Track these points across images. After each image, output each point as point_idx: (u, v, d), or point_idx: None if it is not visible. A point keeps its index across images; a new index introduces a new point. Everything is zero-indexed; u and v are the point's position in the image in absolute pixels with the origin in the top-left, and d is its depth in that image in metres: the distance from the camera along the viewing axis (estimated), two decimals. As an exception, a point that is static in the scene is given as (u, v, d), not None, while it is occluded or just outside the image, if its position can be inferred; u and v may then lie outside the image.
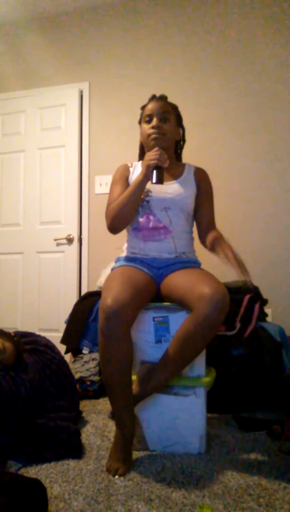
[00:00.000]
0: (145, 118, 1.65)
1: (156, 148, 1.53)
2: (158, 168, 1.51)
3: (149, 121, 1.64)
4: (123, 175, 1.71)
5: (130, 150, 3.03)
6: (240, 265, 1.34)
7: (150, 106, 1.65)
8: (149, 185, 1.62)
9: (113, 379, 1.34)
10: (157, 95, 1.72)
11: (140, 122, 1.73)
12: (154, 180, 1.51)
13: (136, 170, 1.71)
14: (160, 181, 1.51)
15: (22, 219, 3.30)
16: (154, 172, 1.51)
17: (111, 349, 1.32)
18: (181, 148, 1.81)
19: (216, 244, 1.49)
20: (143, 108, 1.71)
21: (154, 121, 1.62)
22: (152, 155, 1.51)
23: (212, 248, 1.54)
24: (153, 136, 1.61)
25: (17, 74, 3.46)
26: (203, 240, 1.69)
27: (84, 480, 1.27)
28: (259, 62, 2.89)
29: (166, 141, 1.64)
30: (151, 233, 1.62)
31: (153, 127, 1.61)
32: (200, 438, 1.47)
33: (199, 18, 3.03)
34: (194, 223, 1.74)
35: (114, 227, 1.60)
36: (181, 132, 1.76)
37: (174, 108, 1.70)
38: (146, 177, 1.52)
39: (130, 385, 1.37)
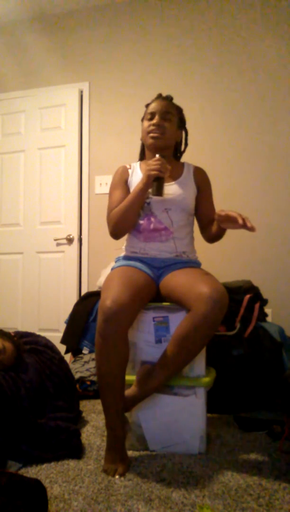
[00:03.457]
0: (147, 116, 1.65)
1: (158, 157, 1.52)
2: (159, 179, 1.50)
3: (151, 119, 1.64)
4: (122, 178, 1.71)
5: (130, 150, 3.04)
6: (239, 214, 1.36)
7: (154, 105, 1.65)
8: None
9: (107, 380, 1.34)
10: (162, 95, 1.73)
11: (143, 120, 1.73)
12: (153, 192, 1.51)
13: (136, 172, 1.71)
14: (160, 194, 1.51)
15: (22, 219, 3.30)
16: (154, 184, 1.51)
17: (108, 350, 1.32)
18: (183, 151, 1.81)
19: (215, 220, 1.52)
20: (147, 106, 1.71)
21: (156, 119, 1.62)
22: (153, 164, 1.50)
23: (213, 226, 1.58)
24: (152, 134, 1.61)
25: (17, 74, 3.46)
26: (205, 234, 1.70)
27: (84, 480, 1.27)
28: (261, 63, 2.89)
29: (165, 140, 1.64)
30: (152, 235, 1.62)
31: (153, 125, 1.61)
32: (200, 438, 1.46)
33: (200, 18, 3.03)
34: (195, 221, 1.75)
35: (116, 233, 1.62)
36: (182, 134, 1.76)
37: (178, 110, 1.71)
38: (146, 186, 1.53)
39: (123, 387, 1.37)
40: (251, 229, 1.33)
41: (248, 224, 1.33)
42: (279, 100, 2.85)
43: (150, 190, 1.56)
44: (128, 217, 1.58)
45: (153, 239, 1.62)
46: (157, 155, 1.54)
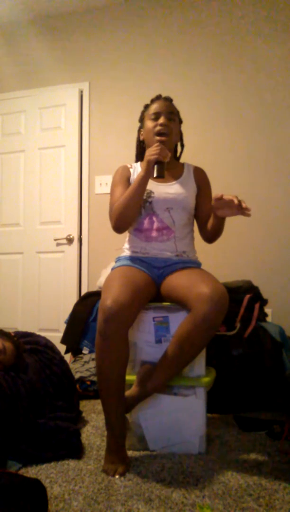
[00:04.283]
0: (151, 116, 1.65)
1: (157, 144, 1.53)
2: (159, 163, 1.51)
3: (155, 119, 1.64)
4: (123, 176, 1.71)
5: (130, 150, 2.99)
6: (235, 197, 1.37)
7: (157, 105, 1.65)
8: (151, 186, 1.62)
9: (107, 380, 1.34)
10: (162, 96, 1.73)
11: (141, 120, 1.73)
12: (155, 174, 1.51)
13: (137, 171, 1.71)
14: (161, 175, 1.51)
15: (22, 219, 3.30)
16: (156, 167, 1.51)
17: (108, 350, 1.32)
18: (181, 153, 1.82)
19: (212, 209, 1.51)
20: (147, 106, 1.71)
21: (162, 118, 1.62)
22: (152, 150, 1.51)
23: (211, 220, 1.59)
24: (159, 138, 1.60)
25: (17, 74, 3.46)
26: (204, 232, 1.69)
27: (84, 480, 1.27)
28: (261, 62, 2.89)
29: (171, 141, 1.65)
30: (154, 234, 1.61)
31: (160, 124, 1.61)
32: (200, 438, 1.46)
33: (200, 18, 3.02)
34: (195, 221, 1.75)
35: (119, 227, 1.60)
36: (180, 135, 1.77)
37: (178, 111, 1.72)
38: (147, 173, 1.52)
39: (122, 387, 1.37)
40: (246, 210, 1.35)
41: (243, 205, 1.35)
42: (280, 99, 2.84)
43: (149, 188, 1.56)
44: (131, 208, 1.56)
45: (154, 239, 1.62)
46: (157, 141, 1.56)
